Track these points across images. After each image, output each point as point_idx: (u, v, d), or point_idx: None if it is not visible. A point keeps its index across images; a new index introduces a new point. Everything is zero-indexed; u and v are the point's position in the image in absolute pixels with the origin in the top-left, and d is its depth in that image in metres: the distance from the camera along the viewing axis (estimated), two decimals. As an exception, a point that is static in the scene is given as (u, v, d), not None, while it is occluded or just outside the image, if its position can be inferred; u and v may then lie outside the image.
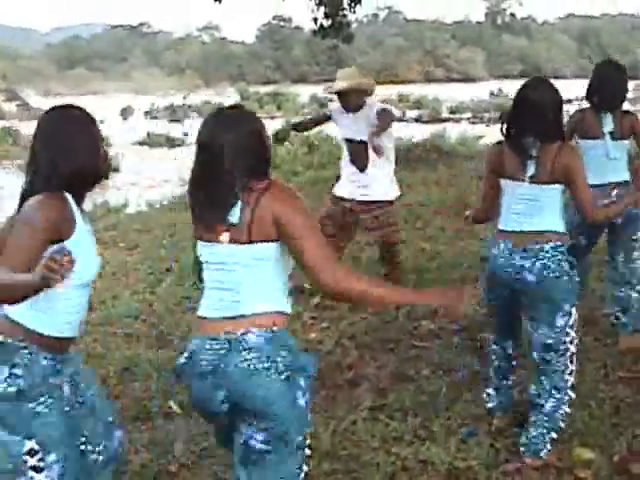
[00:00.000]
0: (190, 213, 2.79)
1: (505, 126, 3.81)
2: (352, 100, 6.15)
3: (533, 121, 3.71)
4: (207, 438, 4.16)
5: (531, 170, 3.72)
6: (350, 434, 4.16)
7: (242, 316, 2.66)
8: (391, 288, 2.81)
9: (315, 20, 13.27)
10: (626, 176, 4.98)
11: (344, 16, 13.36)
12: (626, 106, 5.17)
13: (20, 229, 2.61)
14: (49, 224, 2.61)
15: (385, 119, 5.95)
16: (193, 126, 37.48)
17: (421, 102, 44.10)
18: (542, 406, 3.85)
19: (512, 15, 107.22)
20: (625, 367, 4.68)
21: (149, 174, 18.18)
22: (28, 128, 29.19)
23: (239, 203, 2.64)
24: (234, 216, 2.64)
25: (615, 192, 4.85)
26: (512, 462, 3.82)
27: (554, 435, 3.84)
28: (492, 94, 47.59)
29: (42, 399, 2.70)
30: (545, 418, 3.84)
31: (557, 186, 3.74)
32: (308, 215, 2.67)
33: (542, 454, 3.81)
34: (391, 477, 3.76)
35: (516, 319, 4.06)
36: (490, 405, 4.21)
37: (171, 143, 28.41)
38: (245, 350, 2.61)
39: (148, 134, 29.50)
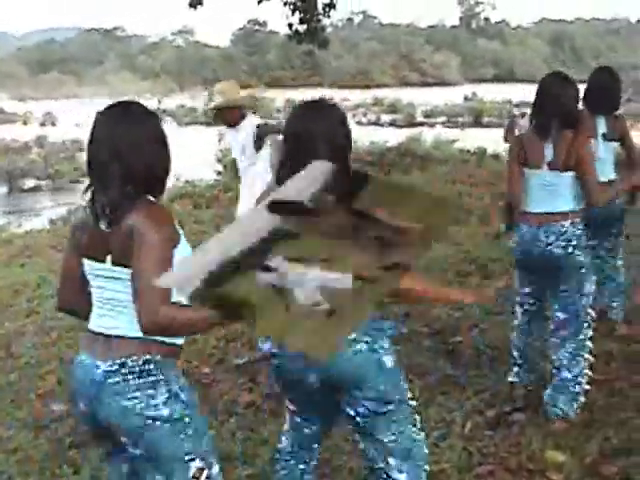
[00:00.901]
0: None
1: (532, 113, 4.31)
2: (227, 116, 5.85)
3: (553, 108, 4.16)
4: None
5: (549, 157, 4.17)
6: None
7: None
8: None
9: (290, 26, 13.18)
10: (612, 176, 5.22)
11: (319, 21, 13.28)
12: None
13: (159, 245, 2.40)
14: (175, 231, 2.49)
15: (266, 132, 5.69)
16: (167, 131, 37.24)
17: (396, 106, 44.29)
18: (567, 372, 4.28)
19: (486, 19, 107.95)
20: (597, 370, 4.71)
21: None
22: (1, 132, 29.08)
23: None
24: None
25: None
26: (485, 465, 3.83)
27: (582, 399, 4.28)
28: (466, 98, 47.86)
29: (189, 412, 2.54)
30: (571, 384, 4.26)
31: (571, 173, 4.15)
32: None
33: (571, 414, 4.24)
34: (364, 481, 3.75)
35: (542, 309, 4.50)
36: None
37: (146, 147, 28.24)
38: None
39: (123, 138, 29.20)
